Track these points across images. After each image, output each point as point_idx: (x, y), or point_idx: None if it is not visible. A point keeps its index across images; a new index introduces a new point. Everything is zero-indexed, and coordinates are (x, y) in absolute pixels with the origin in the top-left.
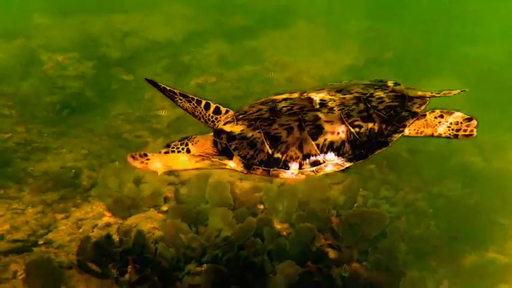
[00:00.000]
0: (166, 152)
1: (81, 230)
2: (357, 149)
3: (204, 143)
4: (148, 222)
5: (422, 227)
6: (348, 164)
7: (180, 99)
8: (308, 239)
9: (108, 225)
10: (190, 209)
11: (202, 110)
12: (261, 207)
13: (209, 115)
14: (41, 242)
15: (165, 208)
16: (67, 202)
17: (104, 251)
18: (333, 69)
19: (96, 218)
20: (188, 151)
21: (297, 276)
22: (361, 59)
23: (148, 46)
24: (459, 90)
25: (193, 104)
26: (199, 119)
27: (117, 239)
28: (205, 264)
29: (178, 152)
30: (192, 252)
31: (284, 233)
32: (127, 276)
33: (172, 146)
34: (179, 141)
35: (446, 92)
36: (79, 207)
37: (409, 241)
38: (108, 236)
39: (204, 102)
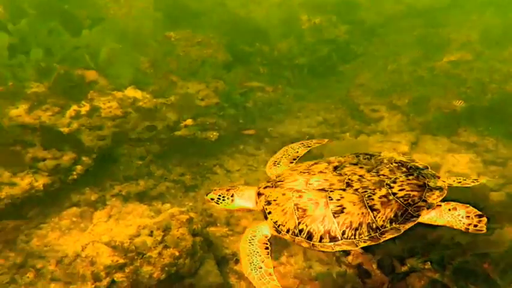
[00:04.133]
0: (212, 199)
1: None
2: (372, 232)
3: (247, 198)
4: None
5: None
6: (362, 245)
7: None
8: None
9: None
10: None
11: None
12: None
13: None
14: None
15: None
16: None
17: None
18: None
19: None
20: (232, 201)
21: None
22: None
23: (406, 11)
24: (485, 179)
25: None
26: None
27: None
28: (429, 263)
29: (223, 200)
30: (420, 248)
31: None
32: None
33: (219, 195)
34: (226, 190)
35: (469, 181)
36: None
37: None
38: None
39: None
